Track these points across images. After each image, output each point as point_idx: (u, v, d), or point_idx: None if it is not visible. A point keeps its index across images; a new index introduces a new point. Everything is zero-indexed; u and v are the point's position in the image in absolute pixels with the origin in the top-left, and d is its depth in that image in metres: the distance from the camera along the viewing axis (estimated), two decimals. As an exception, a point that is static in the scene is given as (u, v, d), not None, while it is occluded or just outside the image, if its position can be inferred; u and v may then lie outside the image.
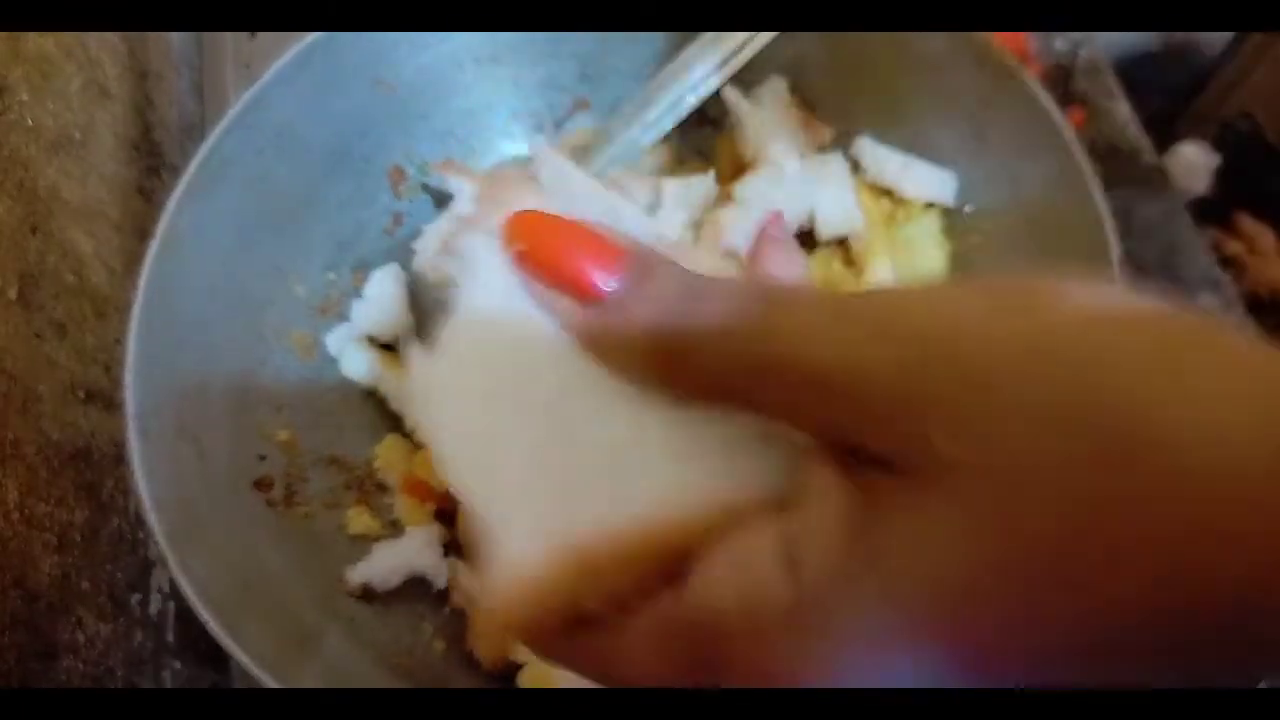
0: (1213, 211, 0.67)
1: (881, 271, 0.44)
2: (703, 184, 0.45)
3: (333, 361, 0.46)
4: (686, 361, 0.17)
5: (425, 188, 0.49)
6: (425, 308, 0.47)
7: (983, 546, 0.13)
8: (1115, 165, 0.56)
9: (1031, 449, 0.13)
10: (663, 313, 0.17)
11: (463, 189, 0.45)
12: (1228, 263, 0.65)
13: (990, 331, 0.14)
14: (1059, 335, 0.14)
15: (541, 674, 0.37)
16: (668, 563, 0.17)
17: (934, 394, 0.14)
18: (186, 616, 0.47)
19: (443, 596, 0.42)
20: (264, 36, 0.62)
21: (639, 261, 0.18)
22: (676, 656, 0.16)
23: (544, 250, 0.17)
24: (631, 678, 0.17)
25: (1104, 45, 0.62)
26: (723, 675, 0.16)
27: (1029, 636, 0.13)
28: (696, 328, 0.17)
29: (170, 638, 0.47)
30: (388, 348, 0.47)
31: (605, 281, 0.17)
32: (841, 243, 0.46)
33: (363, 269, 0.47)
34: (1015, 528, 0.13)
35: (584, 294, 0.17)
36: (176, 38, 0.63)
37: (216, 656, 0.49)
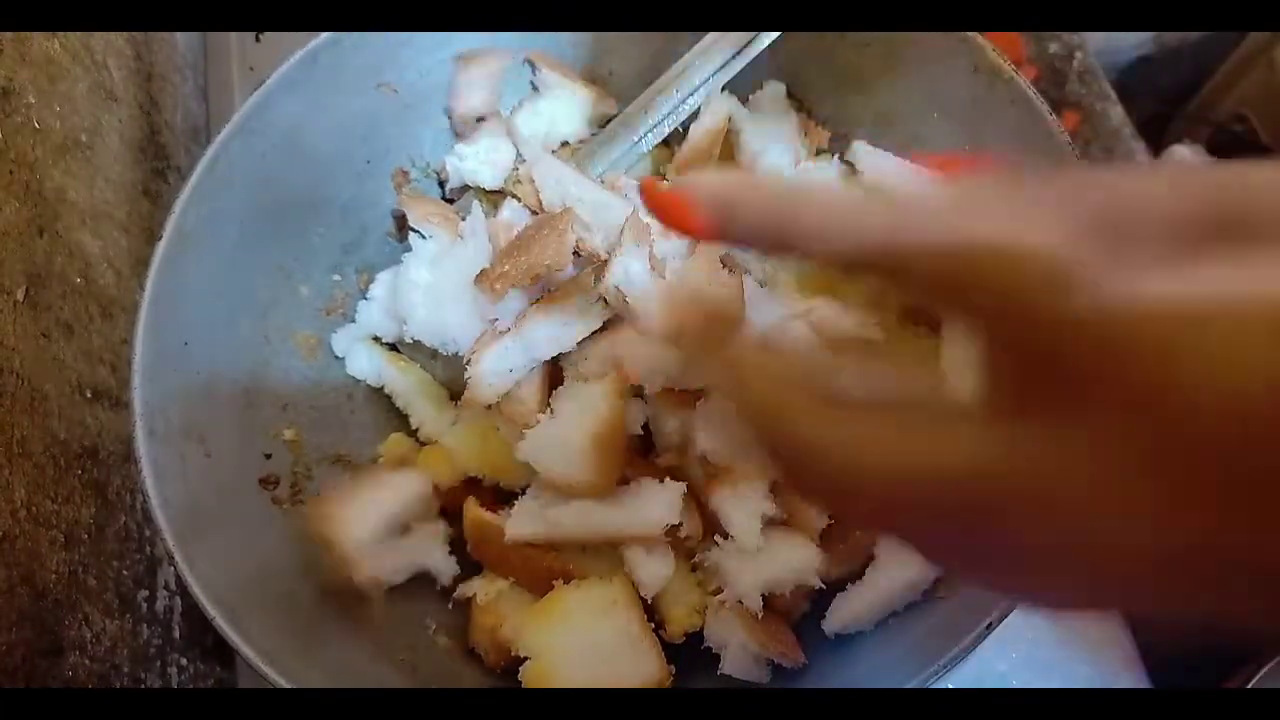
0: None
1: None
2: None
3: (337, 361, 0.46)
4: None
5: (393, 219, 0.49)
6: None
7: None
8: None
9: None
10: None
11: (432, 233, 0.44)
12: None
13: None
14: None
15: (543, 671, 0.38)
16: None
17: None
18: (193, 613, 0.47)
19: (447, 593, 0.42)
20: (268, 40, 0.62)
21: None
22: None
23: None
24: None
25: (1097, 49, 0.62)
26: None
27: None
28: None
29: (177, 634, 0.47)
30: (392, 348, 0.47)
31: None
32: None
33: (368, 271, 0.48)
34: None
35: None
36: (182, 41, 0.64)
37: (223, 652, 0.50)
